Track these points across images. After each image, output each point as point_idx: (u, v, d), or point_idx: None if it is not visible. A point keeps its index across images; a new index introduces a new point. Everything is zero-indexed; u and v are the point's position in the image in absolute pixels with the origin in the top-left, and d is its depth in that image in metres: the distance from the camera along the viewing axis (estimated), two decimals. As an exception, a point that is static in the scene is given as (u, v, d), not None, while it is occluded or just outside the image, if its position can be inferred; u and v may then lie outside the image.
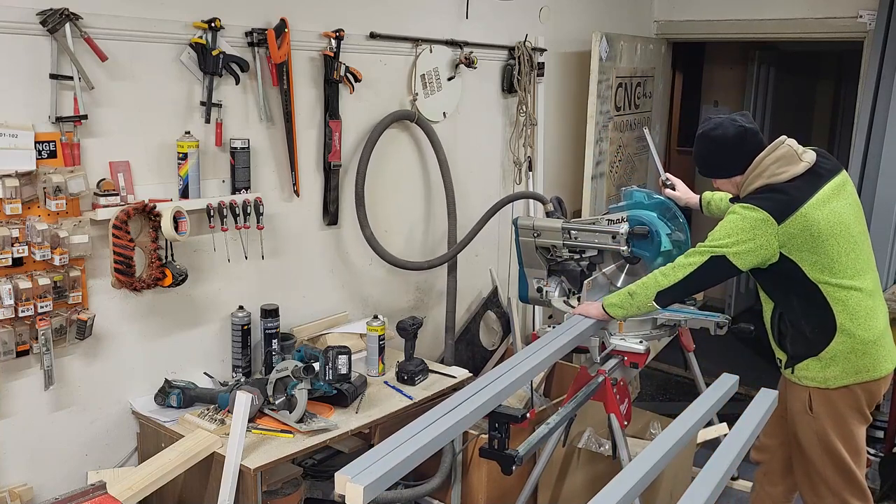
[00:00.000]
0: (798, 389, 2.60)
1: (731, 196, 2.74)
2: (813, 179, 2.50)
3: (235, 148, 2.81)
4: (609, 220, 3.04)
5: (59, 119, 2.35)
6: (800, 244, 2.44)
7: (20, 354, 2.35)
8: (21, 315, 2.30)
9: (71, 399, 2.55)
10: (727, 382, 2.25)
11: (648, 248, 2.96)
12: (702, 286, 2.61)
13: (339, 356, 2.69)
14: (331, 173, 3.19)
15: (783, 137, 2.58)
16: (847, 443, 2.57)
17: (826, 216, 2.45)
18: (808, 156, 2.53)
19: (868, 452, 3.91)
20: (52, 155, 2.35)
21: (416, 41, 3.48)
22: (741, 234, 2.44)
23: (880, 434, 4.03)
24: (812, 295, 2.49)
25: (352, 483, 1.58)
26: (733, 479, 3.78)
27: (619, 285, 3.06)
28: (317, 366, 2.70)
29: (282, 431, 2.57)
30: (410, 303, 3.77)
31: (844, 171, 2.61)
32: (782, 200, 2.44)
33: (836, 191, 2.52)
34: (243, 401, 2.47)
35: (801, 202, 2.44)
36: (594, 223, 3.06)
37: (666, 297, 2.55)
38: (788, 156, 2.51)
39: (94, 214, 2.45)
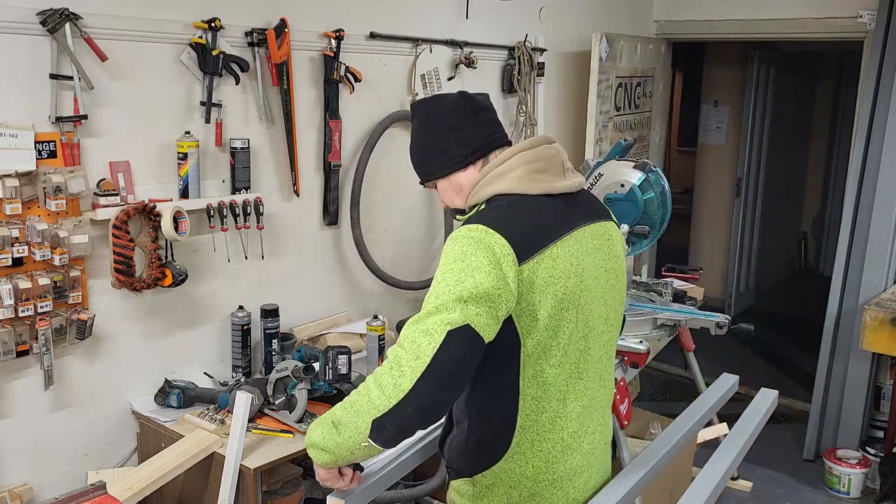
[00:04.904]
0: None
1: (457, 212, 1.77)
2: (573, 211, 1.65)
3: (235, 148, 2.81)
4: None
5: (59, 119, 2.35)
6: (536, 303, 1.53)
7: (20, 354, 2.35)
8: (21, 315, 2.29)
9: (71, 399, 2.55)
10: (727, 382, 2.25)
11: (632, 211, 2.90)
12: (453, 387, 1.50)
13: (339, 356, 2.69)
14: (331, 173, 3.19)
15: (549, 136, 1.72)
16: None
17: (578, 270, 1.59)
18: (577, 178, 1.69)
19: (868, 452, 3.92)
20: (52, 155, 2.35)
21: (416, 41, 3.48)
22: (472, 277, 1.49)
23: (880, 434, 4.03)
24: (502, 393, 1.61)
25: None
26: (733, 479, 3.78)
27: None
28: (317, 366, 2.70)
29: (282, 431, 2.57)
30: (411, 303, 3.76)
31: (615, 222, 1.78)
32: (530, 226, 1.57)
33: (597, 239, 1.67)
34: (243, 401, 2.47)
35: (555, 236, 1.58)
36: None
37: (386, 430, 1.47)
38: (554, 162, 1.65)
39: (94, 214, 2.45)
